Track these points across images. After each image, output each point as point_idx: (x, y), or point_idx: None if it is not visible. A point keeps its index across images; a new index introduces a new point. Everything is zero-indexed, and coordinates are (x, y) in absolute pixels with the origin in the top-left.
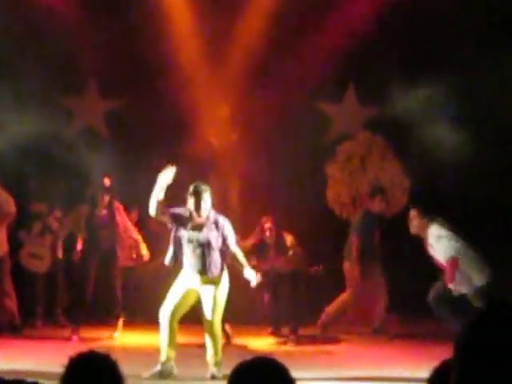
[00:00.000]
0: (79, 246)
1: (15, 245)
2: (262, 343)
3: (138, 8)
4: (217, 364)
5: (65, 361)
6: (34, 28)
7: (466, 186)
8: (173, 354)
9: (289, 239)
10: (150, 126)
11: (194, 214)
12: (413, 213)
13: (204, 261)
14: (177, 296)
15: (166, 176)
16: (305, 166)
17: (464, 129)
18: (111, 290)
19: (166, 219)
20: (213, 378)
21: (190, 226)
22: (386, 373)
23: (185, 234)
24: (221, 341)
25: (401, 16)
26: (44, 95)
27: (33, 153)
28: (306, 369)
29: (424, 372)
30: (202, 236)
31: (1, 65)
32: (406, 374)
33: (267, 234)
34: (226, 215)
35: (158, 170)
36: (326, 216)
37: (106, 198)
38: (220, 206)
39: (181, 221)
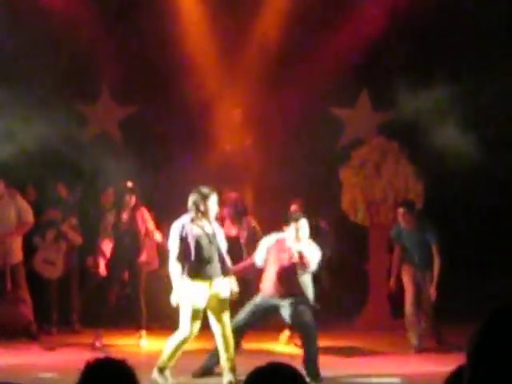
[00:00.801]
0: (103, 255)
1: (30, 251)
2: (277, 347)
3: (151, 14)
4: (232, 369)
5: (81, 366)
6: (48, 35)
7: (479, 191)
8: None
9: (322, 224)
10: (163, 132)
11: (202, 219)
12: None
13: (217, 265)
14: (191, 308)
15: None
16: (319, 170)
17: (477, 133)
18: (136, 298)
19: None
20: None
21: (197, 231)
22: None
23: (193, 240)
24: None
25: (414, 20)
26: (58, 102)
27: (48, 159)
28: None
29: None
30: (211, 240)
31: (14, 71)
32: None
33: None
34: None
35: (172, 175)
36: (341, 221)
37: (133, 199)
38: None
39: (185, 235)
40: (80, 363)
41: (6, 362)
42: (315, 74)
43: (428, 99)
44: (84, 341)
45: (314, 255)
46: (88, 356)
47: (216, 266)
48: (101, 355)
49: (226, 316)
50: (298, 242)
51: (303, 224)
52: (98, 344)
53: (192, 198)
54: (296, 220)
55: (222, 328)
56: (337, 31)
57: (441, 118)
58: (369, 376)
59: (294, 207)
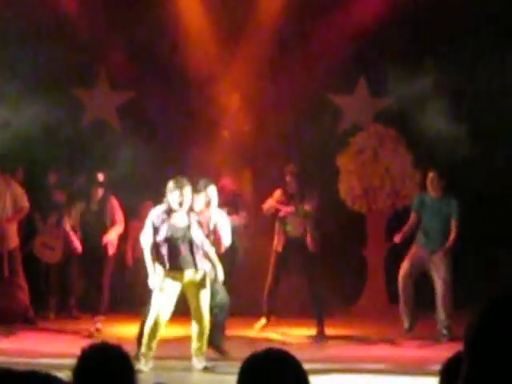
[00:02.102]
0: (77, 243)
1: (30, 234)
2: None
3: (151, 2)
4: (203, 354)
5: (78, 351)
6: (46, 20)
7: (479, 180)
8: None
9: (306, 207)
10: (161, 118)
11: (175, 208)
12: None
13: (188, 255)
14: (162, 295)
15: None
16: (316, 157)
17: (475, 121)
18: (99, 286)
19: None
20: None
21: (171, 221)
22: (399, 368)
23: (167, 229)
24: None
25: (413, 6)
26: (55, 88)
27: (44, 145)
28: (318, 361)
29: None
30: (187, 232)
31: (13, 57)
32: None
33: (287, 178)
34: (239, 207)
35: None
36: (338, 208)
37: (100, 192)
38: (233, 198)
39: (160, 224)
40: (77, 348)
41: (3, 348)
42: (313, 60)
43: (426, 86)
44: (81, 326)
45: (226, 229)
46: (85, 341)
47: (187, 258)
48: (97, 340)
49: (202, 305)
50: (208, 210)
51: (212, 191)
52: (92, 329)
53: (167, 189)
54: (205, 187)
55: (196, 316)
56: (335, 18)
57: (439, 105)
58: (365, 362)
59: (288, 177)
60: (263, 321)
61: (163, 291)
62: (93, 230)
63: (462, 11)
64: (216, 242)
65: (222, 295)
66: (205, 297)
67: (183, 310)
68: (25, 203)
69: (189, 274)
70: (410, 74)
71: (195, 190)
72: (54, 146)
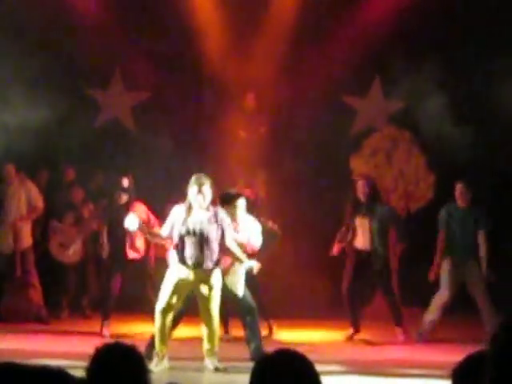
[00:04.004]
0: (104, 241)
1: (47, 234)
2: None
3: (165, 1)
4: (214, 355)
5: (90, 351)
6: (60, 21)
7: (491, 182)
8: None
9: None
10: (177, 119)
11: (195, 205)
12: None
13: (202, 253)
14: (170, 290)
15: None
16: (330, 158)
17: (489, 124)
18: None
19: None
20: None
21: (189, 218)
22: (413, 371)
23: (183, 226)
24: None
25: (430, 8)
26: (70, 87)
27: (59, 145)
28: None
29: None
30: (201, 228)
31: (26, 57)
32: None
33: (359, 187)
34: (255, 206)
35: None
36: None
37: (124, 198)
38: (249, 197)
39: (178, 220)
40: (89, 348)
41: (15, 348)
42: (328, 62)
43: (440, 89)
44: (94, 326)
45: (254, 232)
46: (97, 341)
47: (197, 255)
48: (110, 340)
49: (211, 306)
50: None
51: (241, 203)
52: (105, 332)
53: (188, 186)
54: (234, 200)
55: (206, 317)
56: (350, 18)
57: (452, 107)
58: (379, 364)
59: (360, 187)
60: (350, 330)
61: (171, 284)
62: (116, 233)
63: (477, 13)
64: (241, 246)
65: (249, 300)
66: (214, 298)
67: (196, 311)
68: (39, 203)
69: (197, 272)
70: (425, 76)
71: (223, 202)
72: (69, 146)
